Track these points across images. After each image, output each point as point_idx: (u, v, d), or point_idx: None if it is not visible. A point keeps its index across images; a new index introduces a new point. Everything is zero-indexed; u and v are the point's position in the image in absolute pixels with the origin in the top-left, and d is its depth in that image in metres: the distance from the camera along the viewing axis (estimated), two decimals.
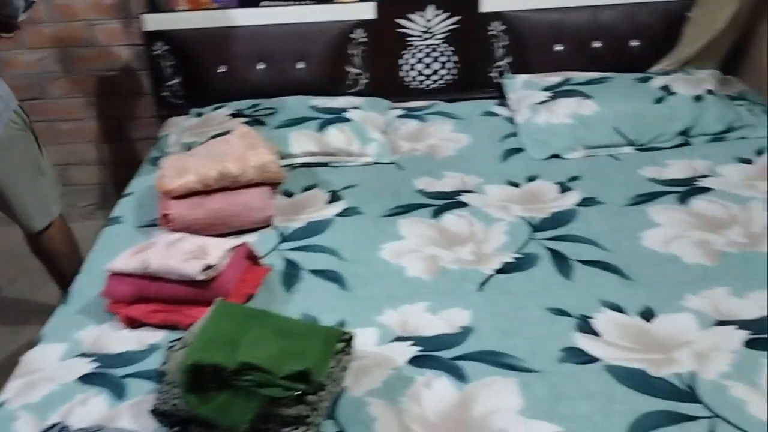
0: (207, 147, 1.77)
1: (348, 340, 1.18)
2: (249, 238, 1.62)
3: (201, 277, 1.32)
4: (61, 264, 1.97)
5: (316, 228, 1.69)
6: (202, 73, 2.31)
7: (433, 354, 1.26)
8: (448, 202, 1.76)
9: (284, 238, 1.66)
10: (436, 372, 1.21)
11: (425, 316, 1.36)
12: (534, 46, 2.32)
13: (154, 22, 2.25)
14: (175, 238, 1.46)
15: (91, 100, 2.62)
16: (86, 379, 1.25)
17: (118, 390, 1.22)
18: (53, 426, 1.04)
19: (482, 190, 1.82)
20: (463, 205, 1.75)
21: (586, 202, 1.74)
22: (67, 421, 1.15)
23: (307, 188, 1.88)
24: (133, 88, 2.59)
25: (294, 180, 1.90)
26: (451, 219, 1.69)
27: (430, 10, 2.26)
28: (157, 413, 1.12)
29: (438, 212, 1.72)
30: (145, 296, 1.38)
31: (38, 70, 2.54)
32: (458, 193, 1.81)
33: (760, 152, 1.90)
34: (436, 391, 1.17)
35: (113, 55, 2.53)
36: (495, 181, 1.86)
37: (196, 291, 1.35)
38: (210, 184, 1.64)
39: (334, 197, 1.83)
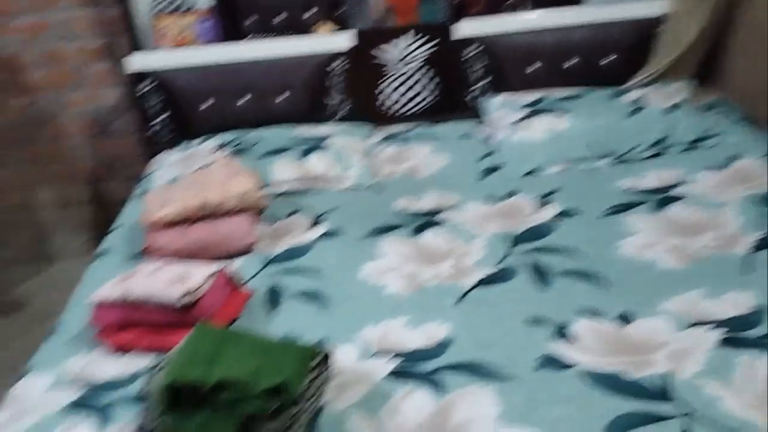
0: (191, 177, 1.82)
1: (324, 357, 1.20)
2: (234, 264, 1.65)
3: (182, 302, 1.35)
4: None
5: (298, 251, 1.72)
6: (188, 108, 2.37)
7: (411, 368, 1.28)
8: (428, 220, 1.80)
9: (267, 263, 1.69)
10: (415, 384, 1.23)
11: (404, 332, 1.39)
12: (510, 67, 2.38)
13: (140, 62, 2.31)
14: (156, 266, 1.49)
15: (83, 142, 2.68)
16: (71, 408, 1.27)
17: (102, 416, 1.24)
18: None
19: (462, 208, 1.85)
20: (443, 222, 1.78)
21: (564, 214, 1.78)
22: None
23: (290, 214, 1.91)
24: (123, 128, 2.65)
25: (277, 207, 1.94)
26: (431, 236, 1.72)
27: (406, 39, 2.33)
28: None
29: (417, 230, 1.75)
30: (131, 322, 1.40)
31: (28, 114, 2.61)
32: (438, 211, 1.84)
33: (732, 159, 1.94)
34: (414, 403, 1.19)
35: (102, 96, 2.60)
36: (474, 198, 1.89)
37: (179, 315, 1.38)
38: (191, 214, 1.67)
39: (316, 221, 1.86)
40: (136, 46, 2.35)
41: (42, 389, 1.33)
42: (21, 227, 2.85)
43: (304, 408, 1.11)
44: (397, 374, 1.26)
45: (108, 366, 1.38)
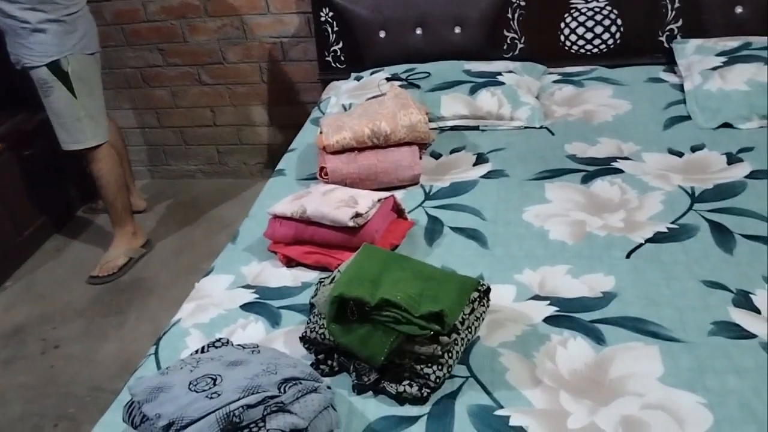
0: (363, 107, 1.86)
1: (484, 292, 1.20)
2: (396, 194, 1.69)
3: (350, 223, 1.41)
4: (97, 186, 2.54)
5: (460, 188, 1.72)
6: (362, 39, 2.41)
7: (571, 315, 1.24)
8: (601, 168, 1.70)
9: (429, 196, 1.71)
10: (573, 332, 1.20)
11: (565, 279, 1.35)
12: (710, 8, 2.14)
13: None
14: (329, 188, 1.57)
15: (264, 65, 2.84)
16: (247, 307, 1.40)
17: (273, 318, 1.35)
18: (218, 340, 1.18)
19: (640, 158, 1.73)
20: (618, 171, 1.68)
21: (756, 174, 1.60)
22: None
23: (455, 150, 1.91)
24: (302, 55, 2.77)
25: (443, 142, 1.94)
26: (603, 185, 1.63)
27: None
28: (305, 340, 1.22)
29: (588, 178, 1.67)
30: (301, 239, 1.50)
31: (218, 36, 2.80)
32: (613, 159, 1.74)
33: None
34: (571, 350, 1.16)
35: (284, 22, 2.72)
36: (655, 149, 1.76)
37: (346, 236, 1.45)
38: (363, 141, 1.73)
39: (481, 159, 1.84)
40: None
41: (223, 288, 1.48)
42: (205, 143, 3.12)
43: (459, 338, 1.13)
44: (555, 319, 1.24)
45: (279, 275, 1.49)
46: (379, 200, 1.48)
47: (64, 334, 2.33)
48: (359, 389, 1.15)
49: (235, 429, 0.94)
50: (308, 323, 1.24)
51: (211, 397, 0.97)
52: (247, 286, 1.47)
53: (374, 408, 1.11)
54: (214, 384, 1.00)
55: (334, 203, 1.47)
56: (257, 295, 1.43)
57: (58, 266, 2.72)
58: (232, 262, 1.57)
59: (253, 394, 0.97)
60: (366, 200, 1.47)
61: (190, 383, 1.01)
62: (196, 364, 1.07)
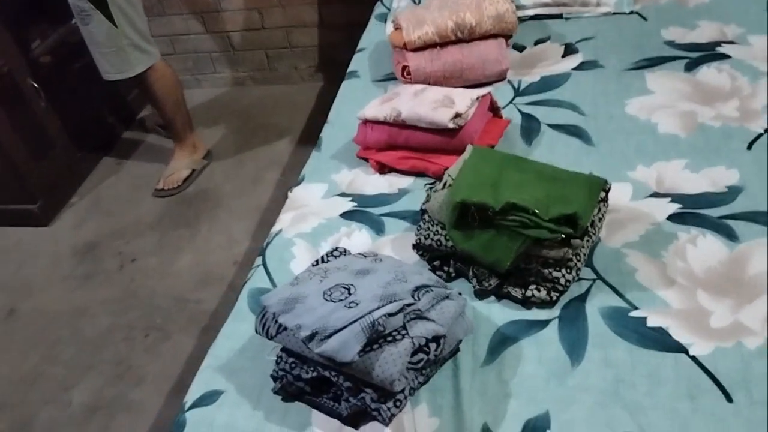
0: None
1: (607, 191, 1.14)
2: (483, 91, 1.60)
3: (451, 125, 1.34)
4: (154, 107, 2.53)
5: (552, 82, 1.62)
6: None
7: (696, 212, 1.19)
8: (705, 54, 1.58)
9: (519, 92, 1.62)
10: (701, 229, 1.15)
11: (684, 174, 1.28)
12: None
13: None
14: (418, 88, 1.49)
15: None
16: (347, 215, 1.37)
17: (377, 226, 1.32)
18: (335, 249, 1.16)
19: (745, 41, 1.60)
20: (724, 57, 1.56)
21: None
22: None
23: (539, 41, 1.79)
24: None
25: (524, 33, 1.81)
26: (709, 72, 1.52)
27: None
28: (420, 247, 1.19)
29: (692, 65, 1.56)
30: (394, 143, 1.44)
31: None
32: (717, 44, 1.61)
33: None
34: (702, 248, 1.12)
35: None
36: (762, 31, 1.62)
37: (444, 139, 1.38)
38: (447, 35, 1.62)
39: (570, 50, 1.72)
40: None
41: (318, 197, 1.44)
42: (254, 48, 3.01)
43: (586, 242, 1.08)
44: (680, 217, 1.18)
45: (373, 182, 1.45)
46: (477, 98, 1.40)
47: (138, 248, 2.35)
48: (480, 294, 1.12)
49: (379, 337, 0.93)
50: (419, 230, 1.21)
51: (350, 307, 0.95)
52: (343, 195, 1.43)
53: (499, 312, 1.09)
54: (349, 293, 0.98)
55: (429, 104, 1.39)
56: (355, 203, 1.40)
57: (119, 181, 2.71)
58: (321, 170, 1.52)
59: (391, 302, 0.95)
60: (463, 99, 1.39)
61: (324, 293, 0.99)
62: (324, 274, 1.05)
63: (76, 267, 2.31)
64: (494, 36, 1.65)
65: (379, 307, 0.94)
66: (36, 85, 2.44)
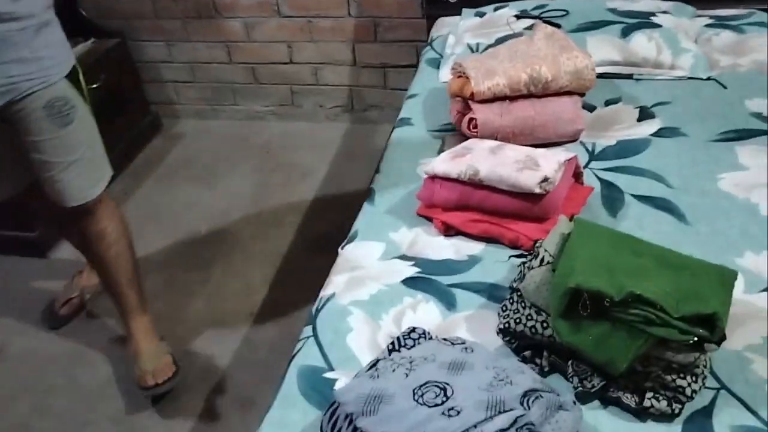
0: (507, 49, 1.60)
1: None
2: (568, 155, 1.45)
3: (537, 189, 1.19)
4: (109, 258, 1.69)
5: (630, 147, 1.49)
6: None
7: None
8: None
9: (594, 156, 1.48)
10: None
11: None
12: None
13: None
14: (494, 145, 1.34)
15: None
16: (410, 283, 1.20)
17: (446, 299, 1.15)
18: (413, 330, 0.98)
19: None
20: None
21: None
22: (400, 324, 1.10)
23: (610, 102, 1.66)
24: None
25: (593, 91, 1.67)
26: None
27: None
28: (508, 333, 1.03)
29: None
30: (465, 204, 1.28)
31: None
32: None
33: None
34: None
35: None
36: None
37: (525, 204, 1.23)
38: (519, 88, 1.48)
39: (645, 114, 1.60)
40: None
41: (375, 257, 1.27)
42: (279, 82, 2.87)
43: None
44: None
45: (437, 246, 1.28)
46: (563, 162, 1.25)
47: (146, 287, 2.15)
48: (582, 397, 0.95)
49: None
50: (505, 310, 1.04)
51: (450, 415, 0.78)
52: (403, 257, 1.26)
53: (608, 422, 0.92)
54: (446, 395, 0.81)
55: (511, 164, 1.24)
56: (419, 269, 1.22)
57: (126, 212, 2.51)
58: (376, 227, 1.36)
59: (500, 412, 0.77)
60: (549, 162, 1.24)
61: (414, 392, 0.81)
62: (409, 366, 0.87)
63: None
64: (569, 93, 1.52)
65: (486, 419, 0.76)
66: None
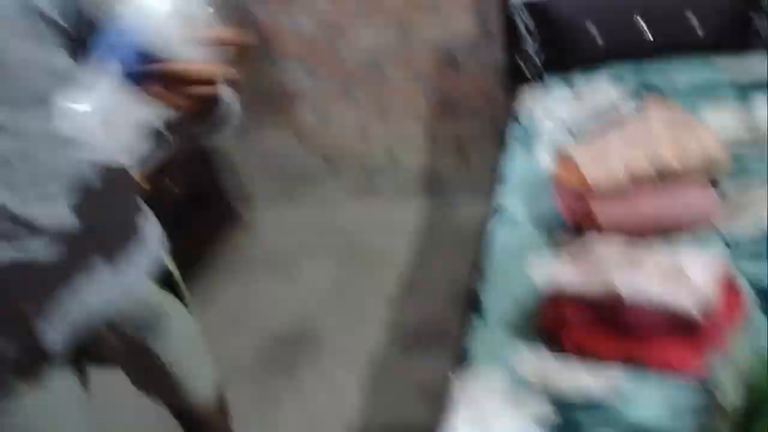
0: (619, 132, 1.44)
1: None
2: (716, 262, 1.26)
3: (696, 313, 1.01)
4: None
5: None
6: (563, 35, 1.98)
7: None
8: None
9: (733, 247, 1.28)
10: None
11: None
12: None
13: None
14: (623, 248, 1.17)
15: (425, 73, 2.46)
16: (543, 423, 1.02)
17: None
18: None
19: None
20: None
21: None
22: None
23: (740, 180, 1.46)
24: (469, 59, 2.37)
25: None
26: None
27: None
28: None
29: None
30: (599, 321, 1.11)
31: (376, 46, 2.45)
32: None
33: None
34: None
35: (453, 22, 2.32)
36: None
37: (677, 325, 1.04)
38: (641, 179, 1.31)
39: None
40: None
41: (498, 390, 1.10)
42: (352, 164, 2.78)
43: None
44: None
45: (570, 372, 1.10)
46: (716, 271, 1.07)
47: (230, 396, 2.03)
48: None
49: None
50: None
51: None
52: (530, 391, 1.09)
53: None
54: None
55: (654, 276, 1.06)
56: (554, 408, 1.05)
57: (204, 312, 2.44)
58: (491, 348, 1.19)
59: None
60: (699, 271, 1.06)
61: None
62: None
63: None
64: (697, 178, 1.34)
65: None
66: None
